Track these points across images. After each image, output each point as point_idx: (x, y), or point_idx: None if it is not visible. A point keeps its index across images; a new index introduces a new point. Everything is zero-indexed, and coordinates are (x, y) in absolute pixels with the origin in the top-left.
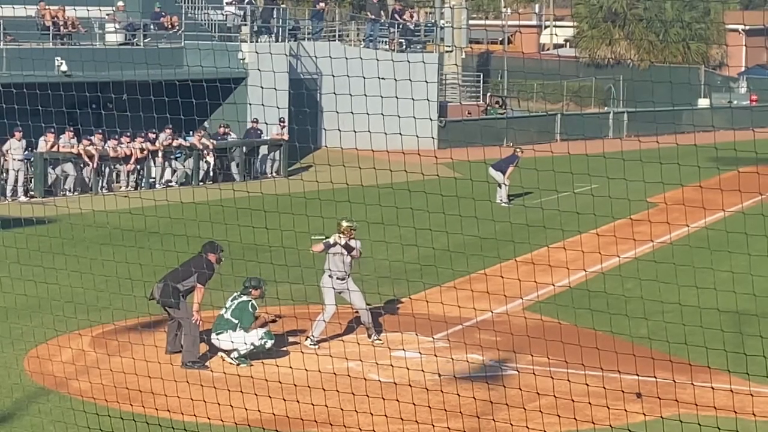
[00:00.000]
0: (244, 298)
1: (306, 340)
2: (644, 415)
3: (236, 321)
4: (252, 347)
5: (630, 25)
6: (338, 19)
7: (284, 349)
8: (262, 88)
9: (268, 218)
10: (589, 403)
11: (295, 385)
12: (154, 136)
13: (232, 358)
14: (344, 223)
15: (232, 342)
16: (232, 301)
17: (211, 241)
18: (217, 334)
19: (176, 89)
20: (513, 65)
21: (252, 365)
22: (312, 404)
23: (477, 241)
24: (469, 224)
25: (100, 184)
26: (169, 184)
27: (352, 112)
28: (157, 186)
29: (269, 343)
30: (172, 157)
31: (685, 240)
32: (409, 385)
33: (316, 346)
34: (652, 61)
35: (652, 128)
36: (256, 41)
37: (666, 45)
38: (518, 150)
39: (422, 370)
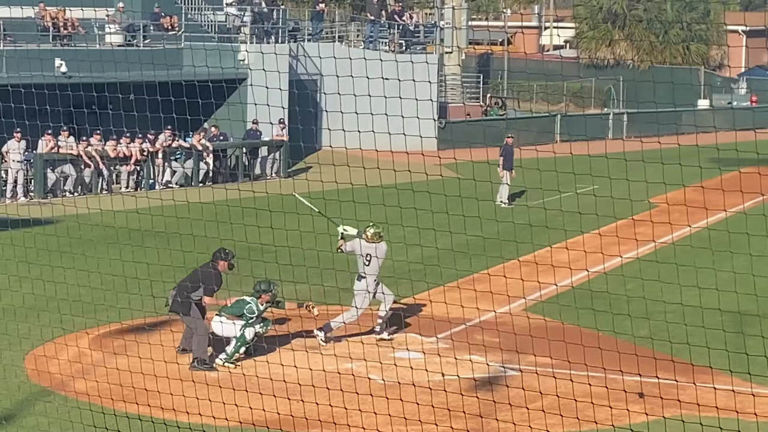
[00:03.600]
0: (249, 299)
1: (318, 331)
2: (646, 415)
3: (237, 311)
4: (237, 343)
5: (630, 26)
6: (338, 20)
7: (288, 348)
8: (267, 88)
9: (273, 218)
10: (592, 403)
11: (299, 384)
12: (153, 136)
13: (219, 358)
14: (370, 231)
15: (221, 324)
16: (247, 299)
17: (222, 248)
18: (218, 315)
19: (176, 90)
20: (513, 66)
21: (238, 365)
22: (316, 404)
23: (480, 242)
24: (471, 224)
25: (99, 185)
26: (169, 185)
27: (356, 113)
28: (157, 187)
29: (249, 332)
30: (172, 158)
31: (687, 240)
32: (412, 385)
33: (325, 344)
34: (652, 62)
35: (652, 129)
36: (257, 42)
37: (666, 46)
38: (508, 137)
39: (425, 370)
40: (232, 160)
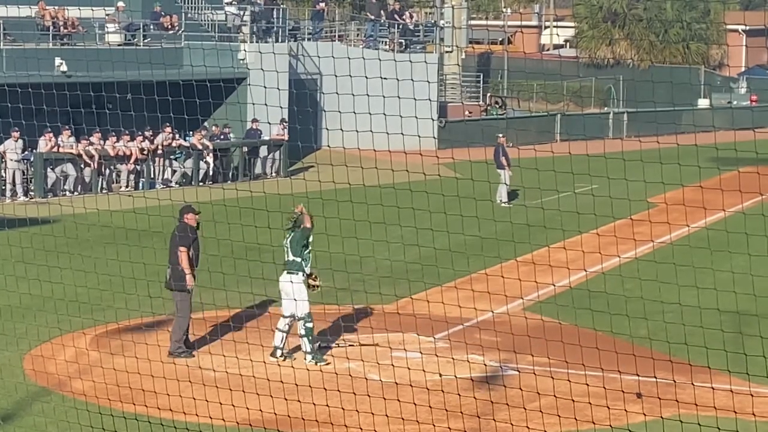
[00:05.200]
0: (295, 233)
1: None
2: (644, 415)
3: (299, 259)
4: (308, 338)
5: (630, 26)
6: (338, 19)
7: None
8: (265, 87)
9: (271, 218)
10: (590, 403)
11: (296, 384)
12: (151, 134)
13: (308, 361)
14: None
15: (292, 282)
16: (287, 240)
17: (185, 204)
18: (288, 273)
19: (176, 89)
20: (513, 65)
21: (328, 362)
22: (313, 404)
23: (478, 241)
24: (470, 224)
25: (100, 184)
26: (169, 184)
27: (354, 112)
28: (156, 186)
29: (309, 324)
30: (171, 157)
31: (686, 240)
32: (410, 385)
33: None
34: (652, 62)
35: (652, 128)
36: (257, 41)
37: (666, 45)
38: (499, 137)
39: (423, 370)
40: (234, 160)
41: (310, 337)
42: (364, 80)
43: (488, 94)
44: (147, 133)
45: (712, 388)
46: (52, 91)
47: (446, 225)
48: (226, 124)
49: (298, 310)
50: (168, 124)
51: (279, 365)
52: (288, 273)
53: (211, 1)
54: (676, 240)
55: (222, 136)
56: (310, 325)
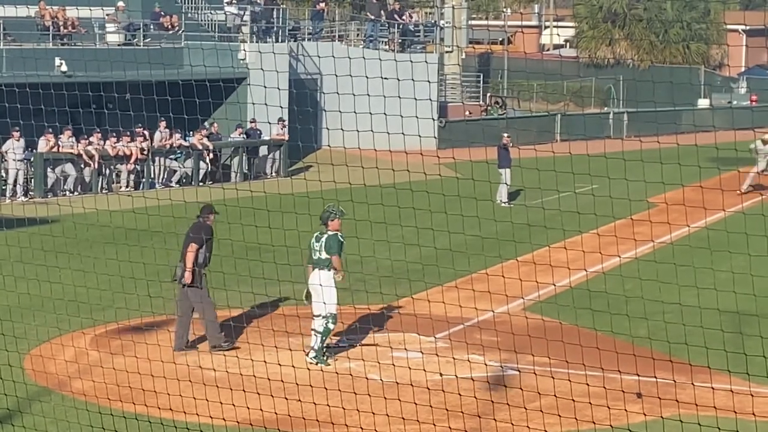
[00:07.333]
0: (329, 233)
1: None
2: (644, 415)
3: (328, 256)
4: (322, 337)
5: (630, 26)
6: (338, 19)
7: (285, 348)
8: (265, 87)
9: (271, 218)
10: (590, 403)
11: (297, 384)
12: (147, 132)
13: (311, 358)
14: None
15: (321, 284)
16: (318, 241)
17: (208, 204)
18: (319, 270)
19: (177, 89)
20: (513, 65)
21: (329, 364)
22: (314, 404)
23: (478, 241)
24: (470, 224)
25: (100, 184)
26: (169, 184)
27: (355, 112)
28: (156, 186)
29: (331, 325)
30: (171, 157)
31: (686, 240)
32: (411, 385)
33: None
34: (652, 62)
35: (652, 128)
36: (257, 41)
37: (666, 45)
38: (504, 136)
39: (424, 370)
40: (236, 160)
41: (324, 338)
42: (365, 80)
43: (488, 94)
44: (143, 132)
45: (712, 388)
46: (52, 91)
47: (447, 225)
48: (239, 124)
49: (326, 309)
50: (163, 119)
51: (279, 365)
52: (319, 270)
53: (211, 1)
54: (677, 240)
55: (219, 136)
56: (331, 326)
